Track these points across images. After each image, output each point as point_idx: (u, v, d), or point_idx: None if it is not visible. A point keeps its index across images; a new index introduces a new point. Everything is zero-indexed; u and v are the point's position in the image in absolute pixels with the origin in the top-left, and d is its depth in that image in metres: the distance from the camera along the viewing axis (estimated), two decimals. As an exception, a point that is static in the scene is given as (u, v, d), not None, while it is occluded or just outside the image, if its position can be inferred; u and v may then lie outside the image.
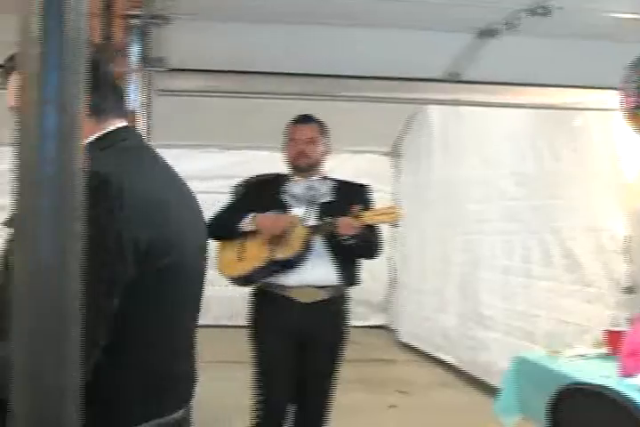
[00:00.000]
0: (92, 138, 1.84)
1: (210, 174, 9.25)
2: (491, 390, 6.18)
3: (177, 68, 4.39)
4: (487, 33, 4.25)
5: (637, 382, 3.43)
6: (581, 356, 4.17)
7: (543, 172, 6.20)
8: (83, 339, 1.02)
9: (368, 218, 4.05)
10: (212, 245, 4.34)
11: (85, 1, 0.99)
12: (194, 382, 2.02)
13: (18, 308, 1.00)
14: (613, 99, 4.05)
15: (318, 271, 4.16)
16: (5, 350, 1.51)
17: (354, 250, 4.17)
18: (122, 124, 1.93)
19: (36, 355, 1.00)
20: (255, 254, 4.16)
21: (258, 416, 4.19)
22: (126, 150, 1.86)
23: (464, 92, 4.94)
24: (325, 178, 4.37)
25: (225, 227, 4.21)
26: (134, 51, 4.25)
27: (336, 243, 4.12)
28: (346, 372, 4.38)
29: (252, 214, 4.17)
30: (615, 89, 3.97)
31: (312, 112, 4.39)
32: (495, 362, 6.54)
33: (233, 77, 4.63)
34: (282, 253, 4.12)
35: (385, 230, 4.51)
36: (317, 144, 4.30)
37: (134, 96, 4.29)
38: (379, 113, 7.60)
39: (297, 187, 4.29)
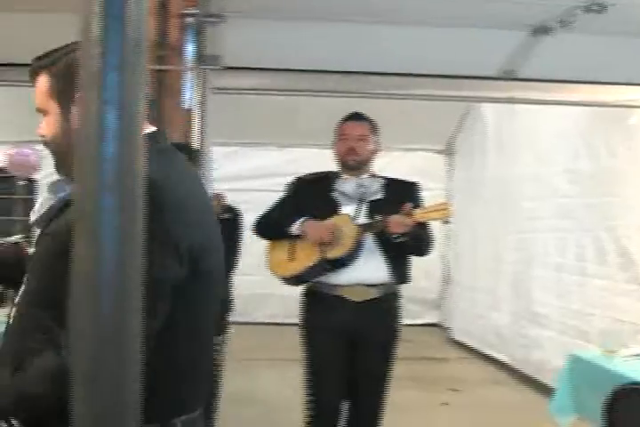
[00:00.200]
0: None
1: (263, 172, 9.30)
2: (544, 389, 6.15)
3: (232, 66, 4.42)
4: (541, 30, 4.22)
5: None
6: (637, 356, 4.13)
7: (598, 169, 6.15)
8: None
9: (419, 215, 4.01)
10: (262, 245, 4.39)
11: (146, 1, 0.99)
12: (214, 381, 2.03)
13: (75, 308, 0.99)
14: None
15: (369, 269, 4.13)
16: (60, 357, 1.55)
17: (405, 248, 4.14)
18: (152, 128, 1.93)
19: (95, 357, 0.98)
20: (306, 254, 4.16)
21: (310, 416, 4.19)
22: (162, 152, 1.88)
23: (518, 90, 4.91)
24: (375, 176, 4.36)
25: (275, 228, 4.25)
26: (189, 49, 4.30)
27: (387, 241, 4.09)
28: (398, 370, 4.36)
29: (302, 219, 4.17)
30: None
31: (365, 110, 4.35)
32: (549, 360, 6.50)
33: (286, 75, 4.66)
34: (333, 253, 4.11)
35: (438, 228, 4.49)
36: (367, 142, 4.27)
37: (190, 94, 4.33)
38: (433, 111, 7.60)
39: (347, 185, 4.27)
